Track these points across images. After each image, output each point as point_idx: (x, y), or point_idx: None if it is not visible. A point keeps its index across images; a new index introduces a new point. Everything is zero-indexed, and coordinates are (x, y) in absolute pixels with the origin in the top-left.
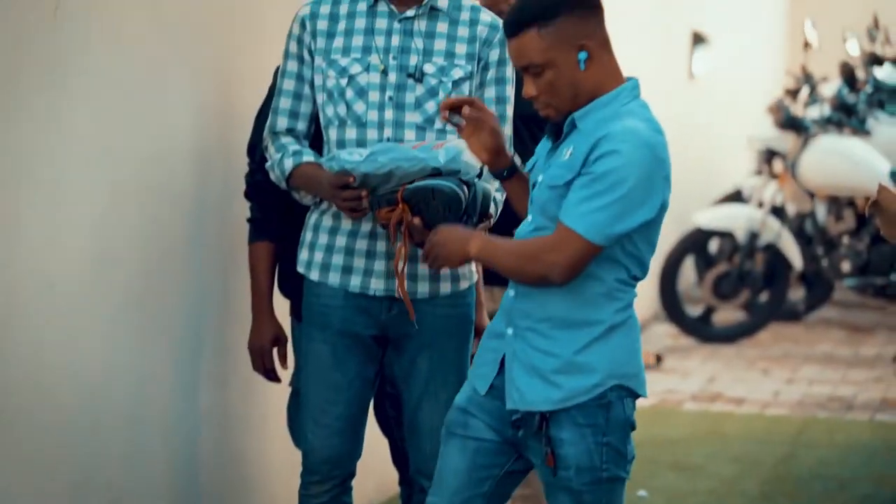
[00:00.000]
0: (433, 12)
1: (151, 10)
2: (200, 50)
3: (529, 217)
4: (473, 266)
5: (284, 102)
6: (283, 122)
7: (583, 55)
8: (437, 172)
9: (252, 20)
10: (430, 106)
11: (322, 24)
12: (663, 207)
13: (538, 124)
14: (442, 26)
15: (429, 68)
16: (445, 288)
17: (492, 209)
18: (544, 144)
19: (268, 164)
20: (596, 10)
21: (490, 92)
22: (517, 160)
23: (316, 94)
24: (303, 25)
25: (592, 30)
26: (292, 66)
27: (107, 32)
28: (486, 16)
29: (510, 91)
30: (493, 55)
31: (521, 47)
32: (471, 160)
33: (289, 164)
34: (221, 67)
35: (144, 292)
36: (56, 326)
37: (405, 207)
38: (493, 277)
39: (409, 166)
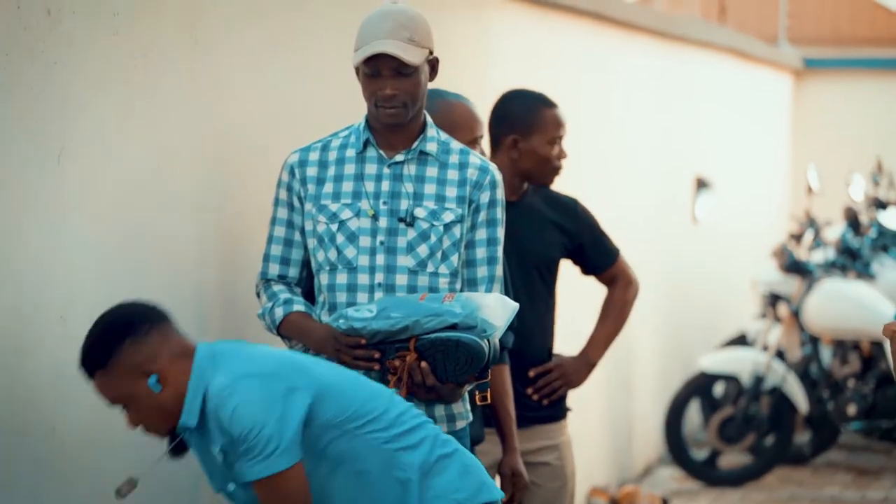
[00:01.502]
0: (422, 156)
1: (154, 151)
2: (202, 192)
3: None
4: (468, 405)
5: (275, 249)
6: (274, 269)
7: (153, 379)
8: (452, 326)
9: (248, 169)
10: (423, 250)
11: (311, 171)
12: (312, 385)
13: (548, 267)
14: (432, 170)
15: (420, 212)
16: (442, 429)
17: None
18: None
19: (259, 313)
20: (151, 328)
21: (481, 234)
22: None
23: (307, 239)
24: (292, 173)
25: (153, 349)
26: (282, 213)
27: (109, 174)
28: (476, 159)
29: (501, 232)
30: (484, 197)
31: (99, 388)
32: (487, 317)
33: (279, 313)
34: (223, 210)
35: None
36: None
37: (415, 356)
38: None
39: (427, 321)
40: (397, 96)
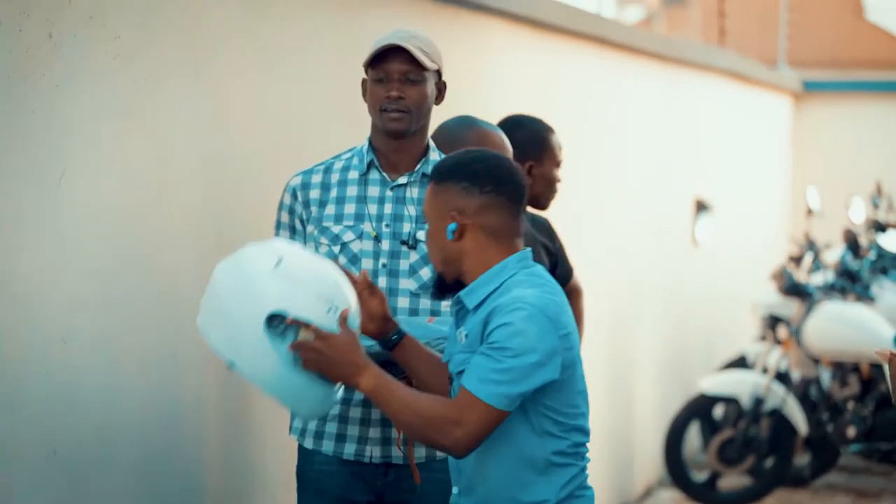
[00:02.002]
0: (425, 179)
1: (155, 174)
2: (203, 215)
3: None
4: None
5: None
6: None
7: (451, 227)
8: None
9: (250, 192)
10: (425, 272)
11: (314, 194)
12: (568, 366)
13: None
14: None
15: (422, 235)
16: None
17: None
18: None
19: None
20: (490, 192)
21: None
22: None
23: None
24: (294, 196)
25: (475, 209)
26: (284, 235)
27: (110, 197)
28: None
29: None
30: None
31: (427, 192)
32: None
33: None
34: (223, 232)
35: (150, 345)
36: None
37: None
38: None
39: (437, 344)
40: (403, 100)
